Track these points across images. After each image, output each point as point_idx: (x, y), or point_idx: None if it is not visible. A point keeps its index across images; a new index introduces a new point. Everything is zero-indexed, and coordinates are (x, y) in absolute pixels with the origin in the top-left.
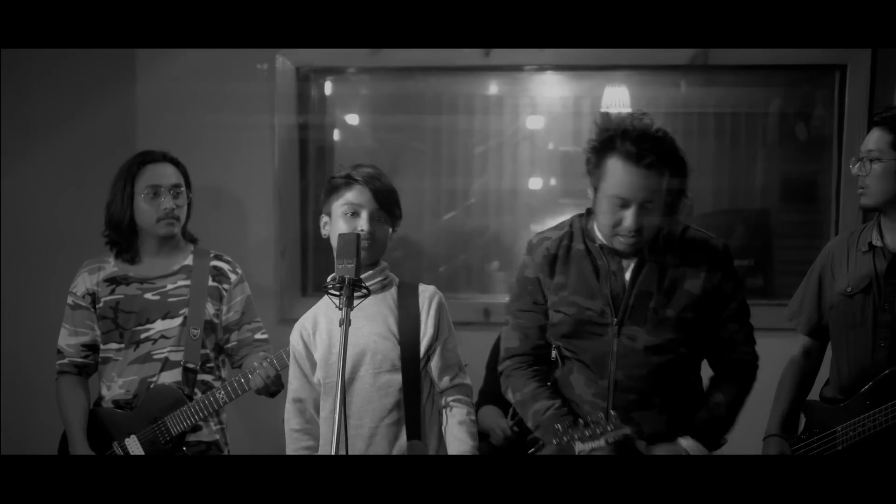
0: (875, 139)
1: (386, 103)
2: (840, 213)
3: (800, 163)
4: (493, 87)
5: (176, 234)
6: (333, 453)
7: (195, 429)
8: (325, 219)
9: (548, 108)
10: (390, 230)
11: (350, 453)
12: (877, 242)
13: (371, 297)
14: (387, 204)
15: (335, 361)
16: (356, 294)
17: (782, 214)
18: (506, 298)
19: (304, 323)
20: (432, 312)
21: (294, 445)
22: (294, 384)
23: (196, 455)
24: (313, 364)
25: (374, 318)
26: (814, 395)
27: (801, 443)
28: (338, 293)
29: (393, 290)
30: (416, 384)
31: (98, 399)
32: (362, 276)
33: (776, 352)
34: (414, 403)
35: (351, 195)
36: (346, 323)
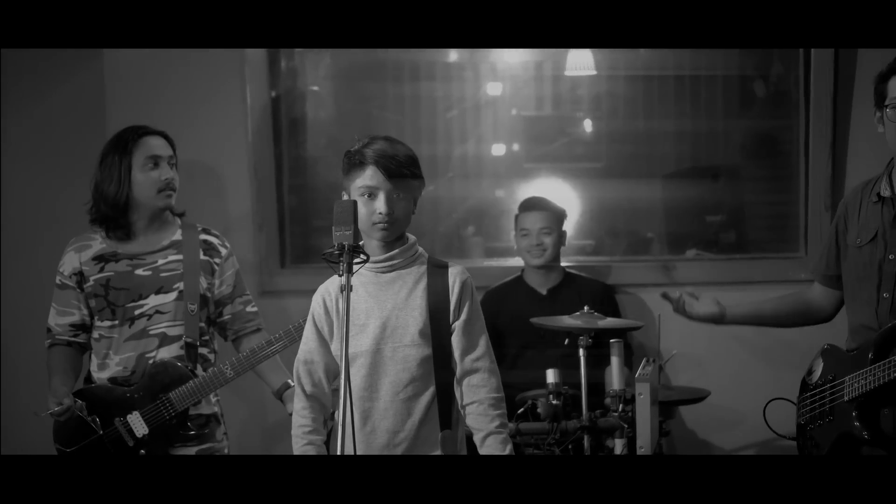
0: None
1: (352, 73)
2: (809, 165)
3: (761, 119)
4: (454, 54)
5: (172, 207)
6: (340, 427)
7: (195, 402)
8: (344, 196)
9: (509, 73)
10: (413, 201)
11: (363, 429)
12: (885, 192)
13: (399, 271)
14: (403, 181)
15: (356, 334)
16: (355, 261)
17: (749, 171)
18: (483, 262)
19: (328, 287)
20: (457, 288)
21: (300, 405)
22: (308, 345)
23: (201, 453)
24: (331, 330)
25: (399, 292)
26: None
27: (817, 388)
28: (337, 261)
29: (422, 267)
30: (447, 360)
31: (87, 377)
32: (391, 253)
33: None
34: (445, 379)
35: (365, 177)
36: (346, 289)
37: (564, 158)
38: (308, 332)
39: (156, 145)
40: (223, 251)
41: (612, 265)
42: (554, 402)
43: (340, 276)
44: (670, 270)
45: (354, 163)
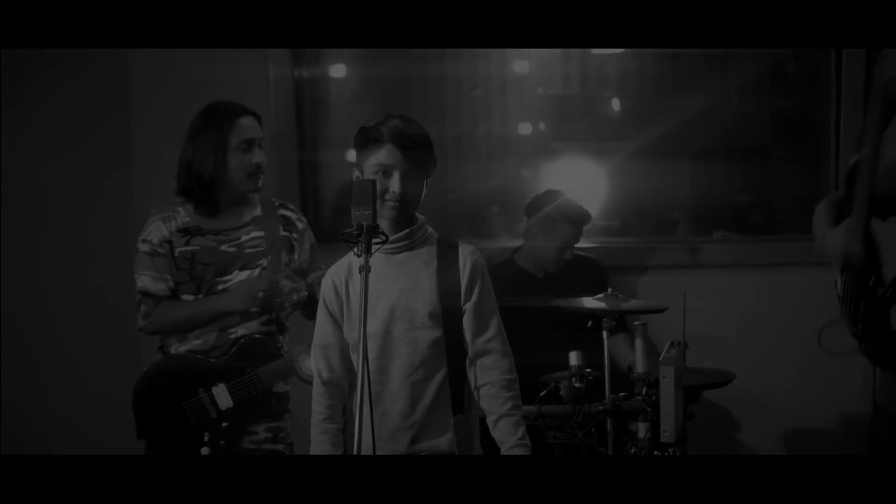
0: None
1: (376, 52)
2: (840, 145)
3: (791, 98)
4: None
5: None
6: (357, 412)
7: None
8: (357, 173)
9: (535, 51)
10: (425, 182)
11: (374, 412)
12: None
13: (408, 252)
14: (418, 160)
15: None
16: (374, 241)
17: (779, 150)
18: (507, 243)
19: (337, 270)
20: (468, 269)
21: (317, 391)
22: (322, 330)
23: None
24: (342, 312)
25: (409, 273)
26: None
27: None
28: (355, 241)
29: (432, 247)
30: (458, 342)
31: (161, 347)
32: (402, 234)
33: (780, 287)
34: (457, 362)
35: (381, 155)
36: (365, 270)
37: (591, 137)
38: (321, 316)
39: (249, 127)
40: (300, 225)
41: (637, 246)
42: (577, 384)
43: (358, 255)
44: (696, 252)
45: (370, 139)
